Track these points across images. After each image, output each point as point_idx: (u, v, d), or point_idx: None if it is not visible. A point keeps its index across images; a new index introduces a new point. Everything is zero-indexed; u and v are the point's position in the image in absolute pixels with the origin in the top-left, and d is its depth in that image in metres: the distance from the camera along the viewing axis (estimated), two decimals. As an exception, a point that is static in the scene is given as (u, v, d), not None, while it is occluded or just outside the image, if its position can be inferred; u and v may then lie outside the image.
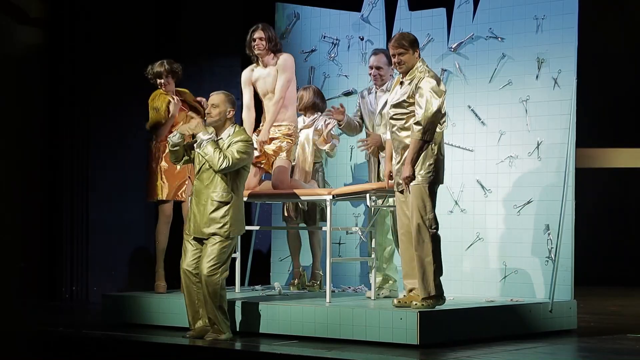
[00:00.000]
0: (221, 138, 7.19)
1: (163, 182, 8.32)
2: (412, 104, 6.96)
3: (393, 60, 7.11)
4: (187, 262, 7.20)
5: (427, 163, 6.90)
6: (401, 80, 7.12)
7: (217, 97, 7.22)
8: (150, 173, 8.40)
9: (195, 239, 7.20)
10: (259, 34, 8.08)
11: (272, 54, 8.11)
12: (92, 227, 10.06)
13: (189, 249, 7.22)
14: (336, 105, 8.18)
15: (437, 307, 6.95)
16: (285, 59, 8.10)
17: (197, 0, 10.73)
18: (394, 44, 7.08)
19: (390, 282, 8.12)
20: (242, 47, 8.23)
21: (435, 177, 6.94)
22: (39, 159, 10.01)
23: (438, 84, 6.93)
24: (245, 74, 8.26)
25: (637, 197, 12.44)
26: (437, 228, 6.93)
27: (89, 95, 10.09)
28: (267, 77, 8.12)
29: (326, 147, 8.41)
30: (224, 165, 7.04)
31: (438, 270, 6.93)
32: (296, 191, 7.89)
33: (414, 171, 6.90)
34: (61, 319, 8.47)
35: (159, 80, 8.38)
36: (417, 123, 6.88)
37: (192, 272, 7.16)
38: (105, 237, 10.12)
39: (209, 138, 7.13)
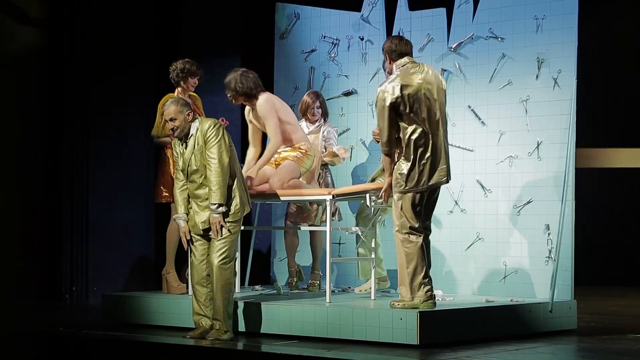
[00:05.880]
0: (192, 135, 7.15)
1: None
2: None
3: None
4: (197, 264, 7.19)
5: (396, 173, 6.90)
6: None
7: (169, 111, 7.15)
8: (161, 174, 8.31)
9: (201, 236, 7.18)
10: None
11: (249, 100, 7.97)
12: (92, 227, 10.05)
13: (199, 251, 7.21)
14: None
15: (438, 307, 6.96)
16: (261, 104, 7.94)
17: (197, 0, 10.73)
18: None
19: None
20: (242, 47, 8.21)
21: (407, 186, 6.86)
22: (39, 159, 10.00)
23: (383, 92, 6.87)
24: (245, 112, 8.22)
25: (637, 197, 12.44)
26: (420, 232, 6.89)
27: (89, 96, 10.09)
28: (256, 118, 8.07)
29: (328, 160, 8.42)
30: (221, 174, 7.01)
31: (421, 271, 6.90)
32: (296, 191, 7.88)
33: (390, 184, 6.93)
34: (61, 319, 8.47)
35: (190, 79, 8.23)
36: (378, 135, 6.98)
37: (203, 273, 7.16)
38: (105, 237, 10.12)
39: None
